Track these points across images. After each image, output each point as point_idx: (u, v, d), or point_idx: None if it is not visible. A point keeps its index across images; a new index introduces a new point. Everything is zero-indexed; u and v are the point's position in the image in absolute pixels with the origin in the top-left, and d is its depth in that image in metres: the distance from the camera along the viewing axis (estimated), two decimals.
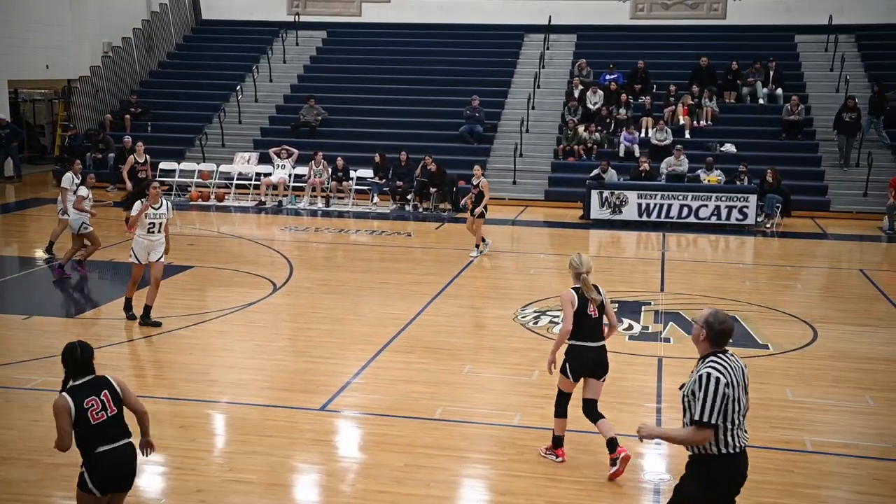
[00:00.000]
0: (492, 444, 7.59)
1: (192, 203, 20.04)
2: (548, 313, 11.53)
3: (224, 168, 21.56)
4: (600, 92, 22.96)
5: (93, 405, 5.24)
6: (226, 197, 20.67)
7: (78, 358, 5.36)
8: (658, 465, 7.37)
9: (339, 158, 20.55)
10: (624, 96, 22.48)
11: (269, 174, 20.80)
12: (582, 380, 7.12)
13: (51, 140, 27.19)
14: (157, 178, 20.86)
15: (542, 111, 23.41)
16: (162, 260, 10.76)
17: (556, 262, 15.42)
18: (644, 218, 18.78)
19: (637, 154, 20.86)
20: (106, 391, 5.35)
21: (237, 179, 21.25)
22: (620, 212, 18.90)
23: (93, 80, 24.78)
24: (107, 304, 11.80)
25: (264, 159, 21.48)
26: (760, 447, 7.46)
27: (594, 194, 18.95)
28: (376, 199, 20.18)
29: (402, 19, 27.19)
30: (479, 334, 10.91)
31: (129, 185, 16.67)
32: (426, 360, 9.65)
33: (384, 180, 20.32)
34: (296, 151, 21.10)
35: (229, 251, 15.49)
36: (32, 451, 7.16)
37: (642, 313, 11.68)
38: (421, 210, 19.90)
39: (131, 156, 17.23)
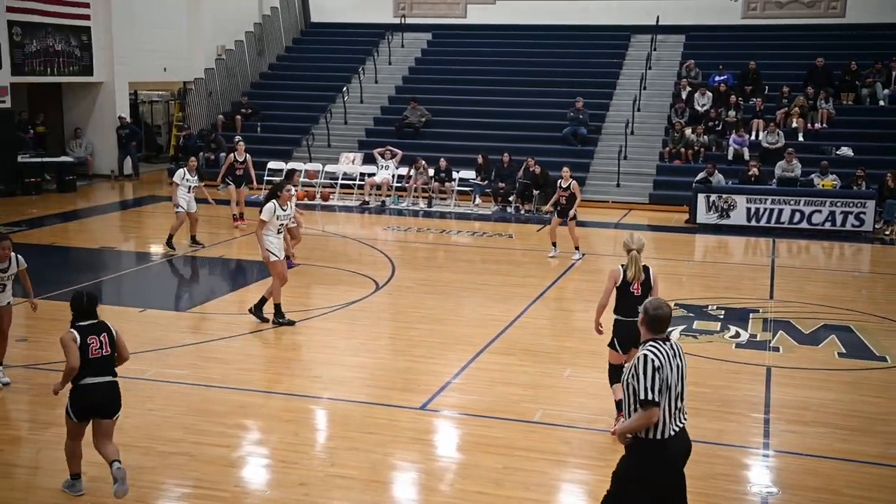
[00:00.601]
0: (592, 449, 7.50)
1: (297, 202, 20.48)
2: None
3: (329, 168, 21.99)
4: (709, 93, 22.42)
5: (93, 343, 6.32)
6: (330, 196, 21.06)
7: (84, 304, 6.43)
8: (764, 477, 7.14)
9: (441, 159, 20.69)
10: (733, 98, 21.89)
11: (373, 174, 21.10)
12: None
13: (166, 140, 28.28)
14: (267, 178, 21.45)
15: (648, 113, 23.01)
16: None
17: (660, 266, 15.12)
18: (753, 223, 18.24)
19: (746, 157, 20.27)
20: (105, 334, 6.40)
21: (342, 179, 21.63)
22: (728, 216, 18.41)
23: (206, 82, 25.65)
24: (217, 299, 12.18)
25: (369, 160, 21.80)
26: (873, 463, 7.15)
27: (701, 198, 18.52)
28: (478, 200, 20.22)
29: (506, 20, 27.18)
30: (579, 338, 10.79)
31: (219, 180, 17.39)
32: (526, 363, 9.61)
33: (486, 182, 20.35)
34: (399, 152, 21.34)
35: (333, 250, 15.78)
36: (147, 438, 7.46)
37: (750, 321, 11.35)
38: (523, 212, 19.84)
39: (231, 154, 17.69)
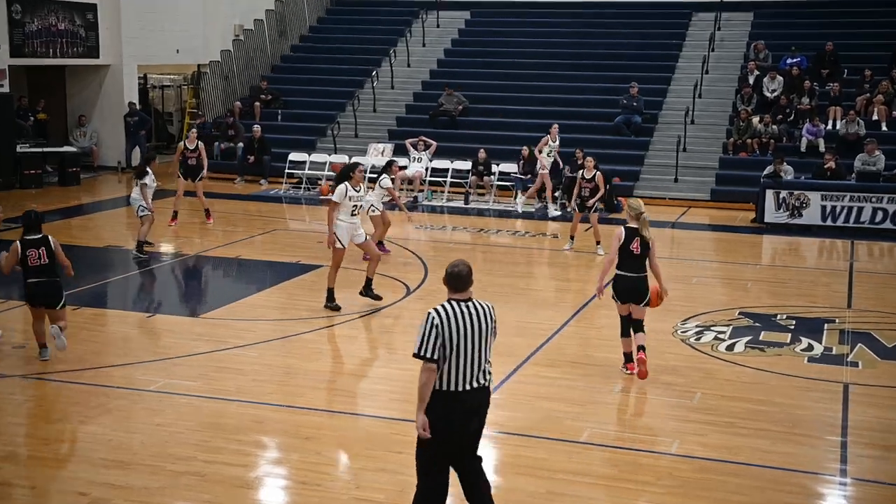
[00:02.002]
0: (645, 473, 7.46)
1: (322, 198, 20.59)
2: (712, 328, 11.24)
3: (357, 160, 22.04)
4: (780, 78, 22.19)
5: (31, 254, 9.45)
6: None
7: (31, 220, 9.63)
8: None
9: (481, 151, 20.70)
10: (807, 83, 21.65)
11: (405, 167, 21.15)
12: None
13: (178, 128, 28.59)
14: (288, 171, 21.61)
15: (711, 100, 22.83)
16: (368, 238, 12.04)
17: (723, 271, 15.01)
18: (828, 223, 18.02)
19: (822, 149, 20.03)
20: (44, 247, 9.47)
21: (370, 173, 21.66)
22: (800, 215, 18.21)
23: (222, 65, 25.91)
24: (232, 303, 12.28)
25: (400, 151, 21.87)
26: None
27: (769, 194, 18.33)
28: (521, 196, 20.19)
29: None
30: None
31: (178, 171, 17.18)
32: (572, 377, 9.59)
33: (529, 176, 20.31)
34: (434, 143, 21.38)
35: (359, 250, 15.81)
36: (156, 456, 7.53)
37: (825, 332, 11.21)
38: (569, 209, 19.75)
39: (181, 143, 17.51)
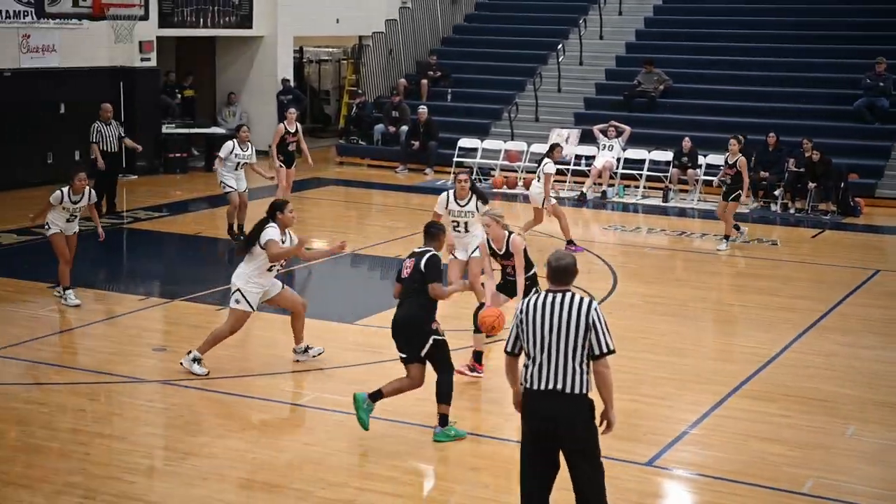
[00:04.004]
0: None
1: (496, 190, 20.76)
2: None
3: (536, 148, 22.09)
4: None
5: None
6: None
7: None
8: None
9: (684, 139, 20.37)
10: None
11: (593, 157, 21.02)
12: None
13: (336, 108, 29.39)
14: (457, 160, 21.86)
15: None
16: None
17: None
18: None
19: None
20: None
21: (531, 161, 21.62)
22: None
23: (387, 37, 26.46)
24: (390, 309, 12.48)
25: (587, 138, 21.75)
26: None
27: None
28: (749, 197, 19.68)
29: None
30: (869, 384, 10.30)
31: (276, 160, 17.27)
32: (792, 413, 9.34)
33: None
34: (627, 129, 21.17)
35: (538, 253, 15.80)
36: (304, 480, 7.76)
37: None
38: (793, 211, 19.20)
39: (281, 124, 17.65)
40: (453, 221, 11.42)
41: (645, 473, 8.09)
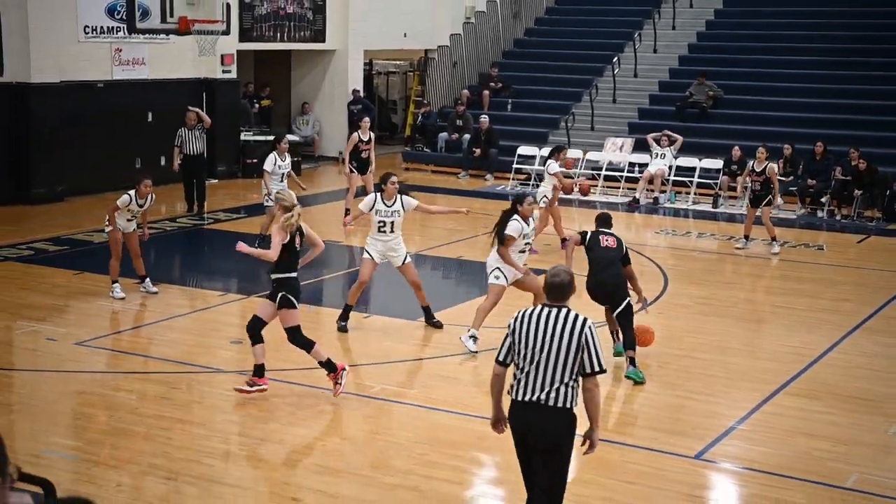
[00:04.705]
0: None
1: (581, 197, 20.72)
2: None
3: (592, 156, 22.01)
4: None
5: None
6: (592, 190, 21.06)
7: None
8: None
9: (734, 148, 20.13)
10: None
11: (646, 165, 20.87)
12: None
13: (402, 118, 29.51)
14: (516, 166, 21.83)
15: None
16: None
17: None
18: None
19: None
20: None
21: (606, 170, 21.58)
22: None
23: (451, 50, 26.50)
24: (452, 307, 12.53)
25: (640, 146, 21.60)
26: None
27: None
28: (780, 200, 19.42)
29: None
30: None
31: (348, 166, 17.32)
32: (836, 411, 9.21)
33: (791, 178, 19.58)
34: (679, 138, 20.98)
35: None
36: (371, 467, 7.81)
37: None
38: (839, 217, 18.89)
39: (355, 132, 17.66)
40: (380, 222, 11.14)
41: (693, 466, 8.02)
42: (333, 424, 8.74)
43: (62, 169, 18.49)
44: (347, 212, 16.89)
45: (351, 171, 17.34)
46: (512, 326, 6.08)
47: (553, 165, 15.15)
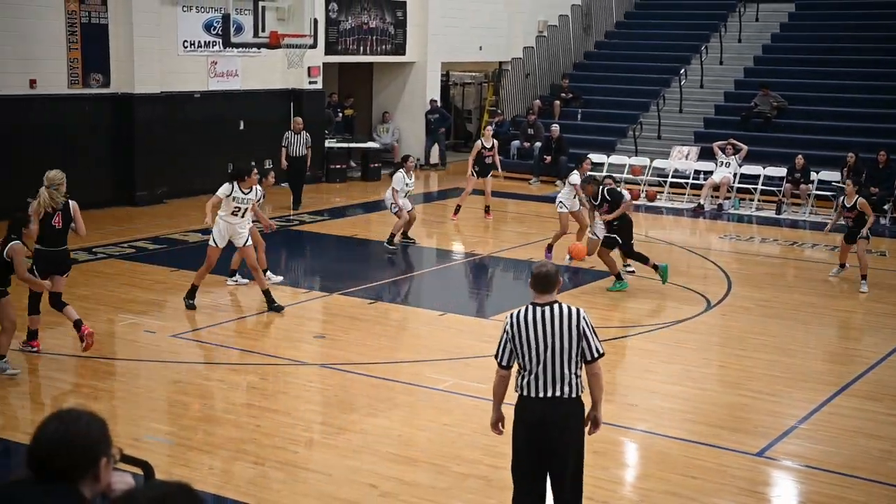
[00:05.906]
0: None
1: (649, 204, 20.56)
2: None
3: (658, 163, 21.78)
4: None
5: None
6: (658, 196, 20.86)
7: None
8: None
9: (798, 157, 19.75)
10: None
11: (711, 172, 20.60)
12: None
13: (477, 126, 29.51)
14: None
15: None
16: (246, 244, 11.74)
17: None
18: None
19: None
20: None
21: (672, 177, 21.34)
22: None
23: (524, 62, 26.43)
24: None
25: (706, 155, 21.31)
26: None
27: None
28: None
29: None
30: None
31: (470, 169, 18.00)
32: None
33: (857, 186, 19.07)
34: (744, 147, 20.65)
35: (658, 259, 15.60)
36: (442, 456, 7.84)
37: None
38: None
39: (479, 140, 18.33)
40: (235, 207, 11.64)
41: (755, 463, 7.90)
42: (408, 416, 8.78)
43: (162, 173, 18.87)
44: (458, 209, 17.78)
45: (471, 175, 18.08)
46: (510, 332, 5.95)
47: (574, 176, 14.87)
